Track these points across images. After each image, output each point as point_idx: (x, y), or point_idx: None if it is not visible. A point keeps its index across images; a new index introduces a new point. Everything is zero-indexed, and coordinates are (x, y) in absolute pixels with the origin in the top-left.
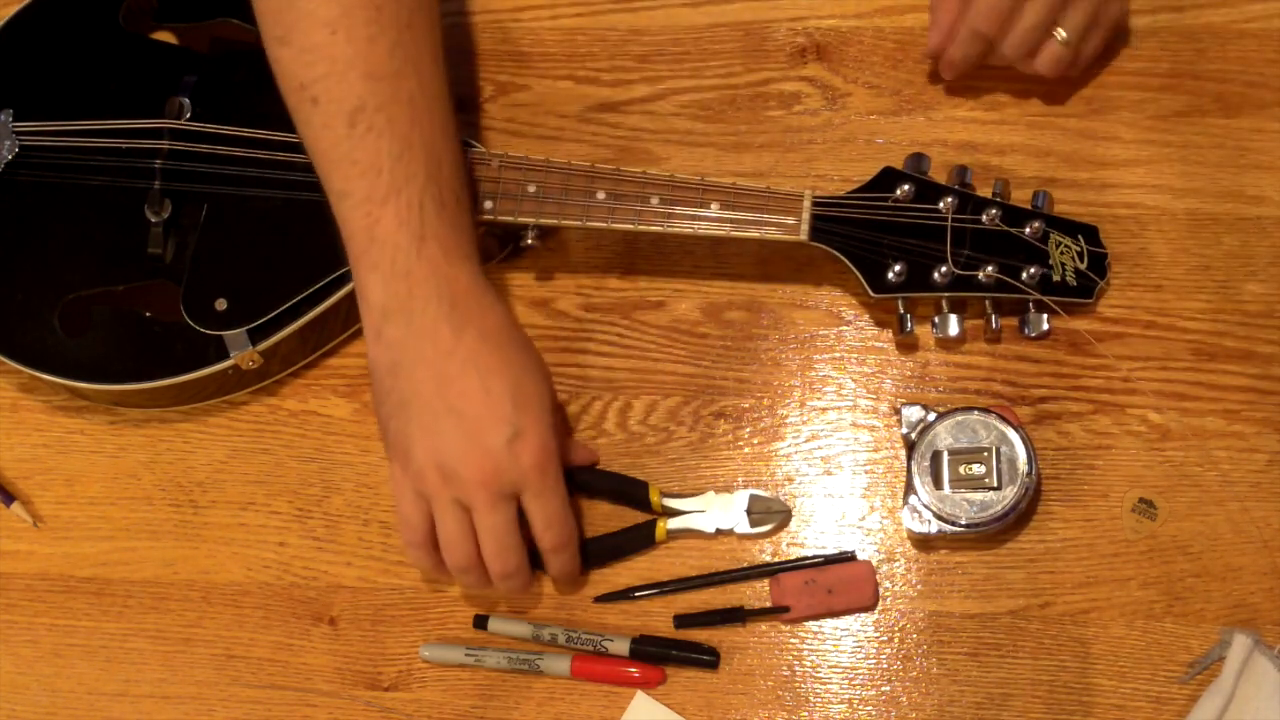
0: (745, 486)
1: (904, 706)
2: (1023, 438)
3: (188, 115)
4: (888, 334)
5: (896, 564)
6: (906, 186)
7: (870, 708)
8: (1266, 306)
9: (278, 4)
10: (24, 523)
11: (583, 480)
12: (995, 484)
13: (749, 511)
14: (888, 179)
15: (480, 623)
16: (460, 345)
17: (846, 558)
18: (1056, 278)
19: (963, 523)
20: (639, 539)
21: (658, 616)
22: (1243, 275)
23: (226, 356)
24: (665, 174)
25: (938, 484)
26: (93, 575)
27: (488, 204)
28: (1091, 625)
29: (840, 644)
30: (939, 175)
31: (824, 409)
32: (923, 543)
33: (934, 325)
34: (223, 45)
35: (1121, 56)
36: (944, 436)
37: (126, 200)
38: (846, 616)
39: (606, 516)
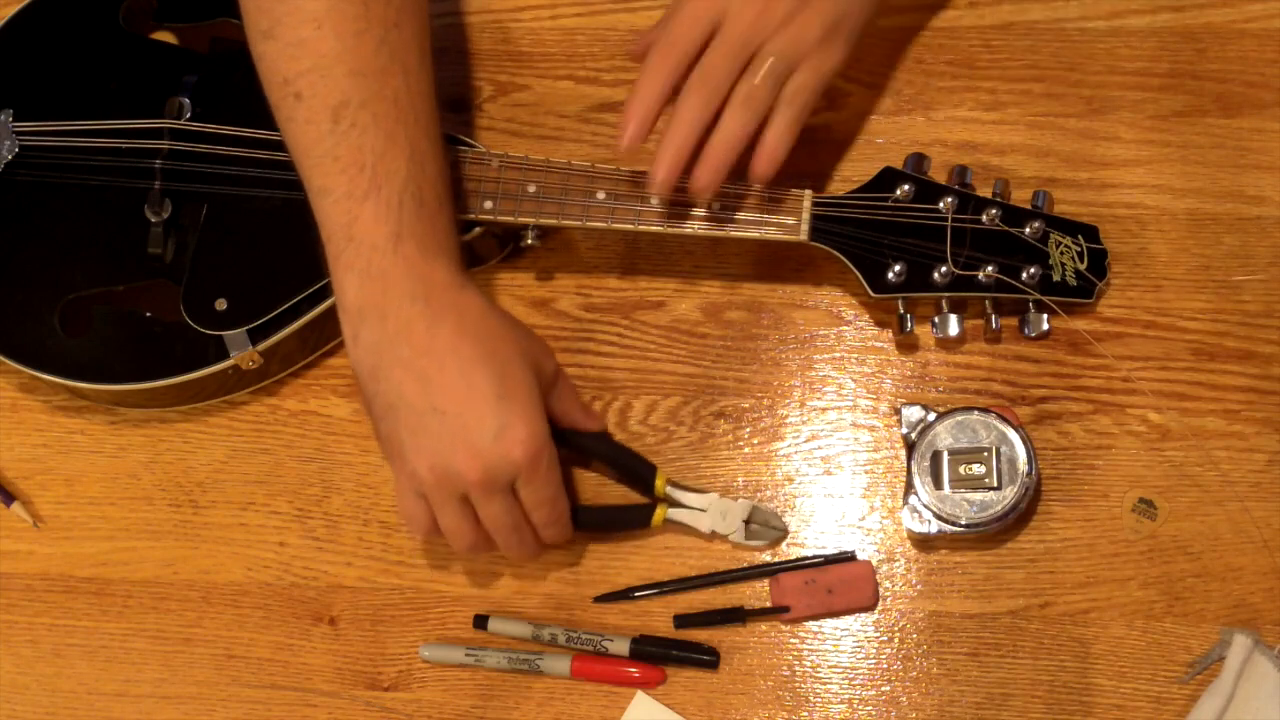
0: (751, 493)
1: (904, 706)
2: (1023, 438)
3: (188, 115)
4: (888, 334)
5: (896, 564)
6: (906, 186)
7: (870, 708)
8: (1266, 306)
9: None
10: (24, 523)
11: (591, 448)
12: (995, 484)
13: (747, 522)
14: (888, 179)
15: (480, 623)
16: (436, 341)
17: (846, 558)
18: (1056, 278)
19: (963, 523)
20: (634, 518)
21: (658, 616)
22: (1242, 275)
23: (226, 356)
24: None
25: (938, 484)
26: (93, 575)
27: (488, 204)
28: (1091, 625)
29: (840, 644)
30: (939, 175)
31: (824, 409)
32: (923, 543)
33: (934, 325)
34: (223, 45)
35: (1121, 56)
36: (944, 436)
37: (126, 200)
38: (846, 616)
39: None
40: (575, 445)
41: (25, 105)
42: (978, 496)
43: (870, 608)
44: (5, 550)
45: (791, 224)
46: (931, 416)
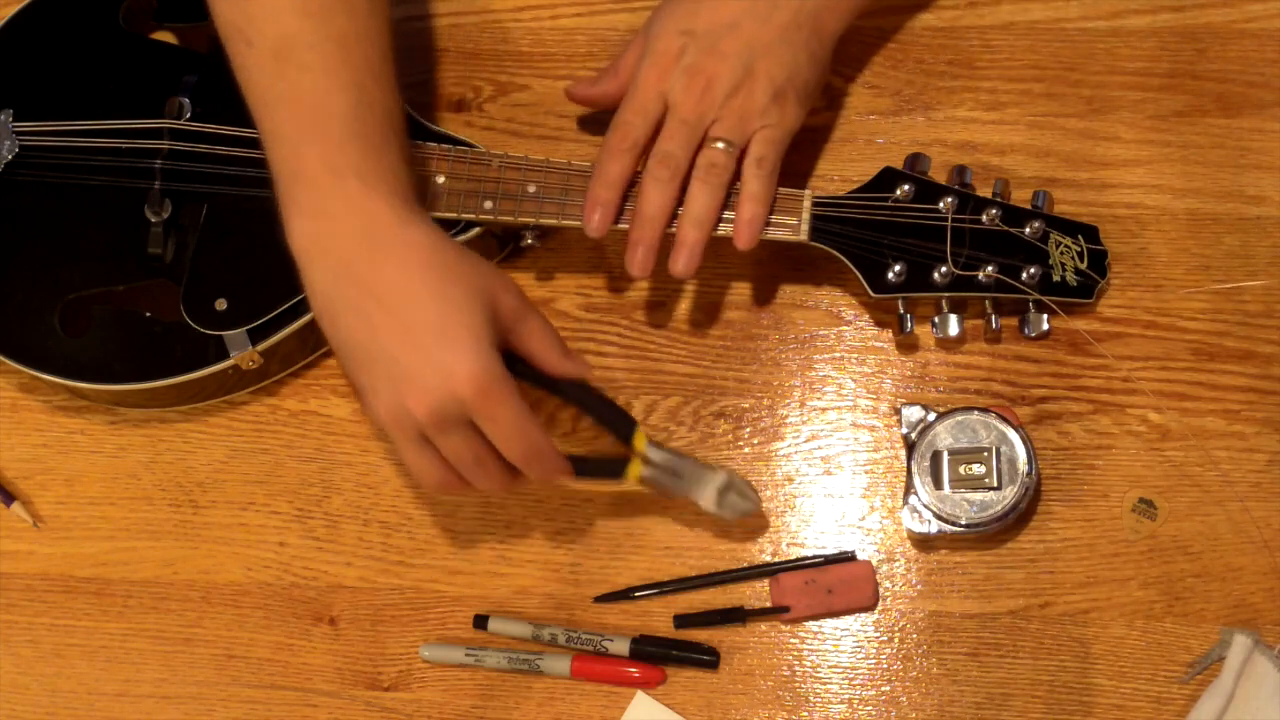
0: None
1: (904, 706)
2: (1023, 438)
3: (188, 115)
4: (888, 334)
5: (896, 564)
6: (906, 186)
7: (870, 708)
8: (1266, 306)
9: None
10: (24, 523)
11: (569, 393)
12: (995, 484)
13: (721, 490)
14: (888, 179)
15: (480, 623)
16: (381, 280)
17: (846, 558)
18: (1056, 278)
19: (963, 523)
20: (607, 469)
21: (658, 616)
22: (1242, 275)
23: (226, 356)
24: None
25: (938, 484)
26: (93, 575)
27: (488, 204)
28: (1091, 625)
29: (840, 644)
30: (939, 175)
31: (824, 409)
32: (923, 543)
33: (934, 325)
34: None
35: (1121, 56)
36: (944, 436)
37: (126, 200)
38: (846, 616)
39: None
40: (553, 389)
41: (25, 105)
42: (978, 496)
43: (870, 608)
44: (5, 550)
45: (791, 224)
46: (931, 416)
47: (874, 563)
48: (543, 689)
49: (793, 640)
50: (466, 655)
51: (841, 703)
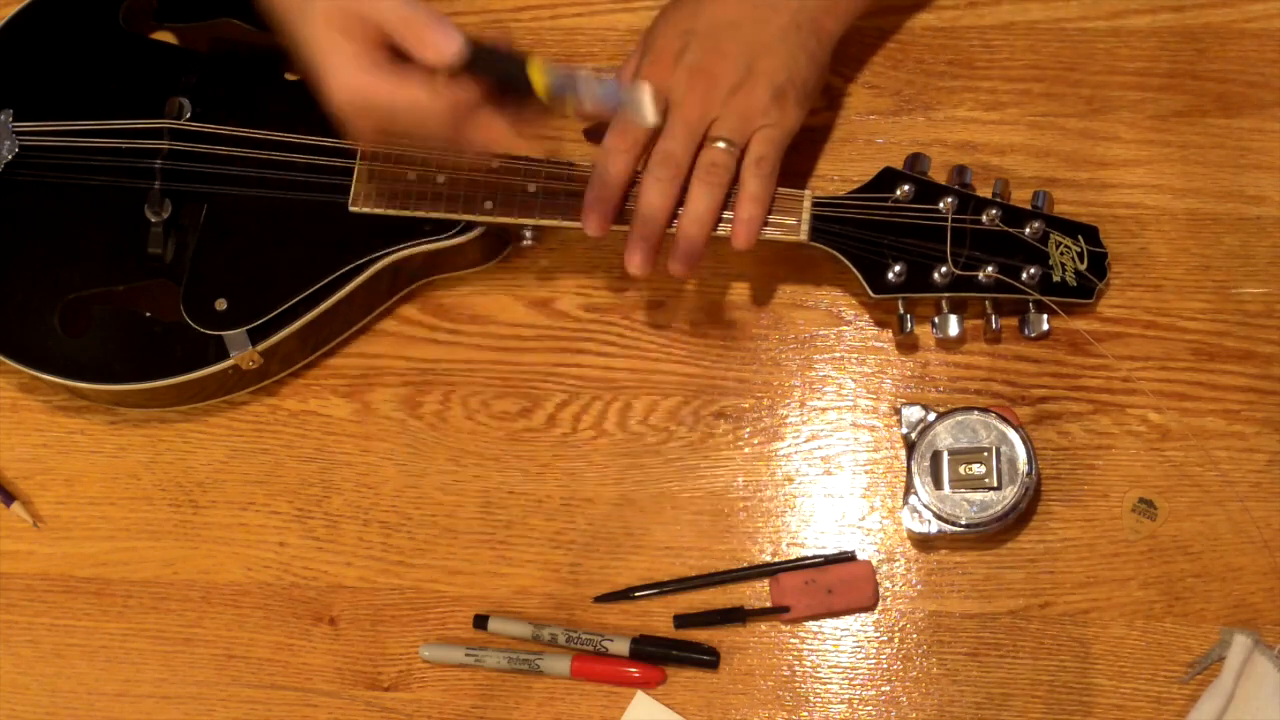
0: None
1: (904, 706)
2: (1023, 438)
3: (188, 115)
4: (888, 334)
5: (896, 564)
6: (906, 186)
7: (870, 708)
8: (1266, 306)
9: None
10: (24, 523)
11: (476, 67)
12: (995, 484)
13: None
14: (888, 179)
15: (480, 623)
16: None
17: (846, 558)
18: (1056, 278)
19: (963, 523)
20: (505, 62)
21: (658, 616)
22: (1242, 275)
23: (226, 356)
24: None
25: (938, 484)
26: (93, 575)
27: (488, 204)
28: (1091, 625)
29: (840, 644)
30: (939, 175)
31: (824, 409)
32: (923, 543)
33: (934, 325)
34: (223, 45)
35: (1121, 56)
36: (944, 436)
37: (126, 200)
38: (846, 616)
39: None
40: (473, 73)
41: (25, 105)
42: (978, 496)
43: (870, 608)
44: (5, 550)
45: (791, 224)
46: (931, 416)
47: (874, 563)
48: (543, 689)
49: (793, 640)
50: (466, 655)
51: (841, 703)
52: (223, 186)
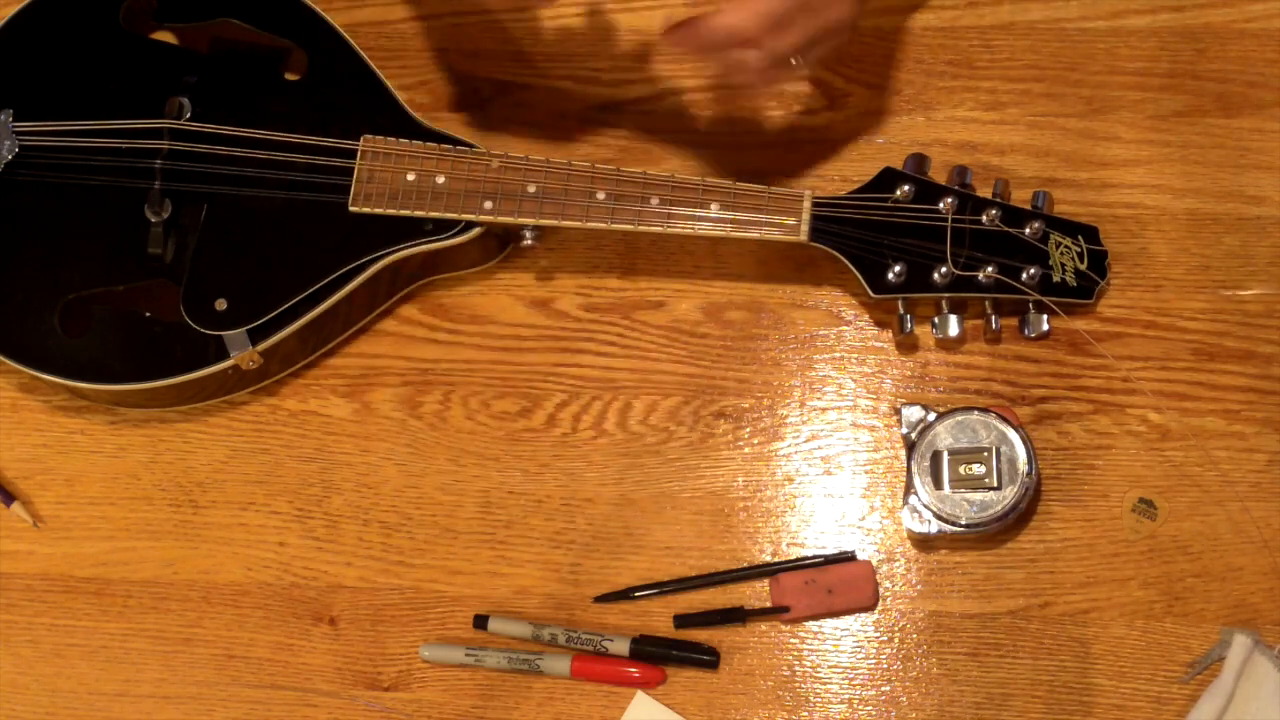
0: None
1: (904, 706)
2: (1023, 438)
3: (188, 115)
4: (888, 334)
5: (896, 564)
6: (906, 187)
7: (870, 708)
8: (1266, 306)
9: None
10: (24, 523)
11: None
12: (995, 484)
13: None
14: (888, 179)
15: (480, 623)
16: None
17: (846, 558)
18: (1056, 278)
19: (963, 523)
20: None
21: (658, 616)
22: (1242, 275)
23: (226, 356)
24: (665, 174)
25: (938, 484)
26: (93, 575)
27: (488, 204)
28: (1091, 625)
29: (840, 644)
30: (939, 175)
31: (824, 409)
32: (923, 543)
33: (934, 325)
34: (223, 45)
35: (1121, 56)
36: (944, 436)
37: (126, 200)
38: (846, 616)
39: None
40: None
41: (25, 105)
42: (978, 496)
43: (870, 608)
44: (5, 550)
45: (791, 224)
46: (931, 416)
47: (874, 563)
48: (543, 689)
49: (793, 640)
50: (466, 655)
51: (841, 703)
52: (223, 186)
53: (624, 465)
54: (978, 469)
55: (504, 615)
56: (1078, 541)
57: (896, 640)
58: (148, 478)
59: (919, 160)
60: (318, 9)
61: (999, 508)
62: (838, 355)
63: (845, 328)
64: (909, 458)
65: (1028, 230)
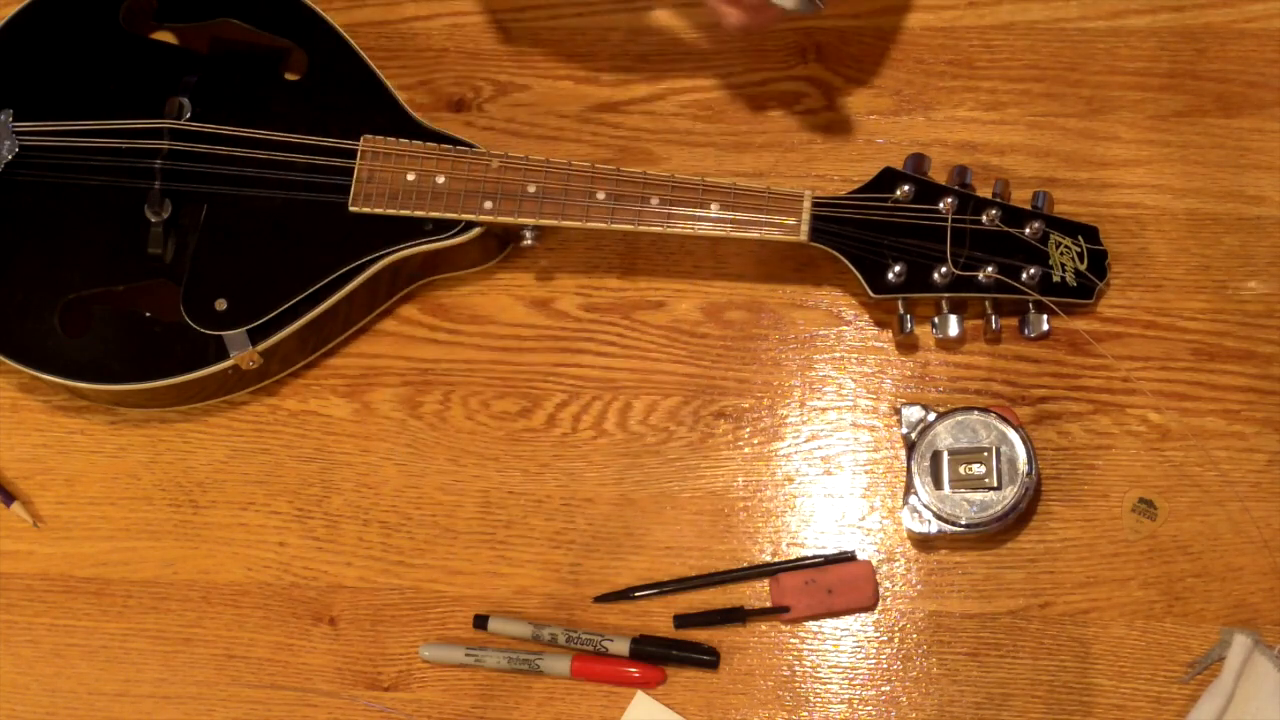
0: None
1: (904, 706)
2: (1023, 438)
3: (188, 115)
4: (888, 334)
5: (896, 564)
6: (906, 187)
7: (870, 708)
8: (1266, 306)
9: None
10: (24, 523)
11: None
12: (995, 484)
13: None
14: (888, 179)
15: (480, 623)
16: None
17: (846, 558)
18: (1056, 278)
19: (963, 523)
20: None
21: (658, 616)
22: (1242, 275)
23: (226, 356)
24: (665, 174)
25: (938, 484)
26: (93, 575)
27: (488, 204)
28: (1091, 625)
29: (840, 644)
30: (939, 175)
31: (824, 409)
32: (923, 543)
33: (934, 325)
34: (223, 45)
35: (1121, 56)
36: (944, 436)
37: (126, 200)
38: (846, 616)
39: None
40: None
41: (25, 105)
42: (978, 496)
43: (870, 608)
44: (5, 550)
45: (791, 224)
46: (931, 416)
47: (874, 563)
48: (543, 689)
49: (793, 640)
50: (466, 655)
51: (841, 703)
52: (223, 186)
53: (624, 465)
54: (978, 469)
55: (504, 615)
56: (1078, 541)
57: (896, 640)
58: (148, 478)
59: (919, 160)
60: (318, 9)
61: (999, 508)
62: (838, 355)
63: (845, 328)
64: (909, 458)
65: (1028, 230)
